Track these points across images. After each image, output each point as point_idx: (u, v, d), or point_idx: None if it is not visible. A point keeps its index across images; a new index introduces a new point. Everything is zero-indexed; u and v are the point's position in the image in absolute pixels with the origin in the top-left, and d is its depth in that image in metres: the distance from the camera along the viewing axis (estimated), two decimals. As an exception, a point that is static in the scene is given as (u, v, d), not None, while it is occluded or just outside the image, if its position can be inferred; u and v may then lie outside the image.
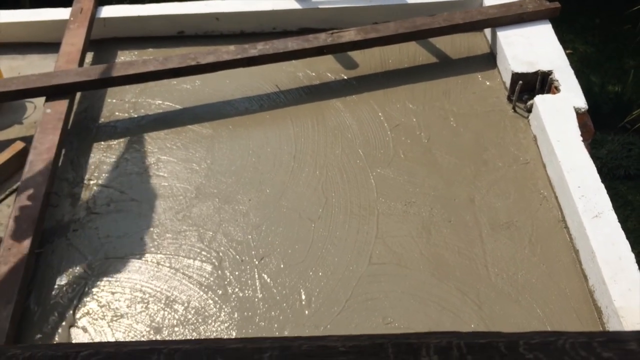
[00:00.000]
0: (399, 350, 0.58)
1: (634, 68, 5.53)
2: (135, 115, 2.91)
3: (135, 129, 2.84)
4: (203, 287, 2.24)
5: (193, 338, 2.07)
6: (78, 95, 2.93)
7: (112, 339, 2.09)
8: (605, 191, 2.31)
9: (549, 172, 2.54)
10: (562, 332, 0.61)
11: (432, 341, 0.59)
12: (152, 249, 2.37)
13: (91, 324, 2.16)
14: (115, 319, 2.17)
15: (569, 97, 2.67)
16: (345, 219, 2.43)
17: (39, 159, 2.51)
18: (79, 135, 2.82)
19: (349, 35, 2.95)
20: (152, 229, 2.43)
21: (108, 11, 3.29)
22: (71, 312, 2.19)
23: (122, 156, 2.72)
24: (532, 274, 2.24)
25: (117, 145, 2.77)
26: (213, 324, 2.15)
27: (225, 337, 2.11)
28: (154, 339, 2.09)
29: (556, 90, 2.74)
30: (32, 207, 2.35)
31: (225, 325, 2.15)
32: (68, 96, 2.79)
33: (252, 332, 2.13)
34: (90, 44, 3.15)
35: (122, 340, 2.09)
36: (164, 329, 2.14)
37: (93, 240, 2.41)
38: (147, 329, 2.14)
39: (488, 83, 2.98)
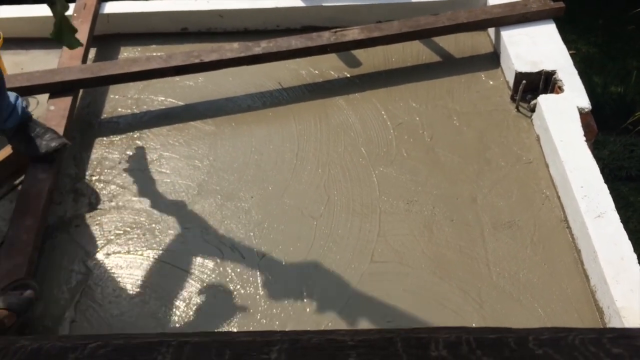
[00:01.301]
0: (408, 344, 0.58)
1: (637, 69, 5.52)
2: (138, 112, 2.91)
3: (138, 126, 2.84)
4: (205, 284, 2.24)
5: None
6: (81, 90, 2.93)
7: (113, 335, 2.09)
8: (608, 191, 2.30)
9: (552, 171, 2.54)
10: (572, 328, 0.60)
11: (442, 336, 0.59)
12: (154, 246, 2.37)
13: (93, 320, 2.16)
14: (116, 315, 2.17)
15: (572, 97, 2.67)
16: (347, 217, 2.43)
17: (41, 155, 2.51)
18: (82, 131, 2.82)
19: (353, 34, 2.95)
20: (154, 225, 2.43)
21: (111, 7, 3.29)
22: (73, 307, 2.19)
23: (124, 152, 2.72)
24: (534, 273, 2.24)
25: (120, 141, 2.77)
26: (214, 321, 2.15)
27: (227, 333, 2.11)
28: (155, 335, 2.08)
29: (560, 90, 2.74)
30: (35, 202, 2.35)
31: (227, 322, 2.15)
32: (71, 93, 2.79)
33: (254, 329, 2.13)
34: (94, 39, 3.15)
35: (124, 336, 2.08)
36: (166, 325, 2.14)
37: (95, 236, 2.41)
38: (149, 326, 2.14)
39: (491, 82, 2.98)
